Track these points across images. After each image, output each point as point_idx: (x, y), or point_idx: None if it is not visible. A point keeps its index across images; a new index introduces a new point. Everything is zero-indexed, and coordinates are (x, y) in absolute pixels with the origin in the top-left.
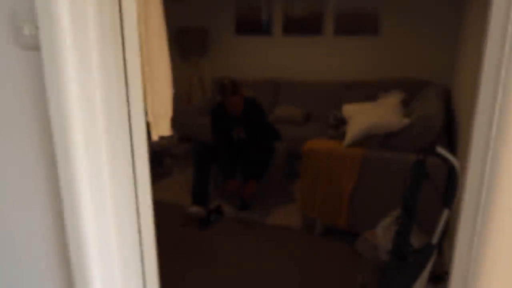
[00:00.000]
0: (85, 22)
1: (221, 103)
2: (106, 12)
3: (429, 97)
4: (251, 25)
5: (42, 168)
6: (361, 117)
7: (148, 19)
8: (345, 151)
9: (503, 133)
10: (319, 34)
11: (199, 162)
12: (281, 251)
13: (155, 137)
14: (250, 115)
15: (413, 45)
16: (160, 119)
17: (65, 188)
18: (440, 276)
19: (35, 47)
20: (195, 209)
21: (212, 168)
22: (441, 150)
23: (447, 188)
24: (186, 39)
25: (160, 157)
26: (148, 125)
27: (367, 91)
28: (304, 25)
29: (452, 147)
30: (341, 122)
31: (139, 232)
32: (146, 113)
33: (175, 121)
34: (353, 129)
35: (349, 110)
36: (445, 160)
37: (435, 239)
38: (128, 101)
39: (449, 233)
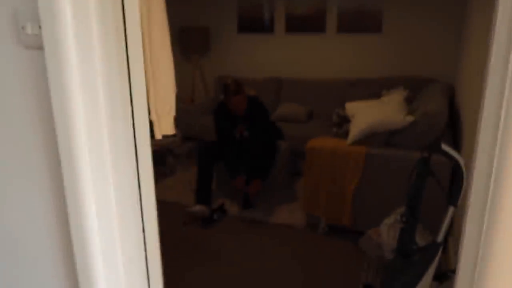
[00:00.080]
0: (88, 21)
1: (224, 102)
2: (108, 11)
3: (433, 94)
4: (253, 23)
5: (46, 167)
6: (364, 115)
7: (150, 18)
8: (349, 149)
9: (510, 129)
10: (322, 31)
11: (202, 161)
12: (285, 249)
13: (158, 136)
14: (253, 114)
15: (417, 42)
16: (163, 118)
17: (68, 188)
18: (445, 274)
19: (38, 46)
20: (198, 208)
21: (215, 167)
22: (446, 148)
23: (452, 186)
24: (188, 38)
25: (163, 156)
26: (151, 124)
27: (370, 89)
28: (306, 23)
29: (456, 144)
30: (344, 120)
31: (143, 231)
32: (149, 112)
33: (178, 120)
34: (357, 127)
35: (353, 108)
36: (450, 157)
37: (440, 237)
38: (131, 100)
39: (453, 231)
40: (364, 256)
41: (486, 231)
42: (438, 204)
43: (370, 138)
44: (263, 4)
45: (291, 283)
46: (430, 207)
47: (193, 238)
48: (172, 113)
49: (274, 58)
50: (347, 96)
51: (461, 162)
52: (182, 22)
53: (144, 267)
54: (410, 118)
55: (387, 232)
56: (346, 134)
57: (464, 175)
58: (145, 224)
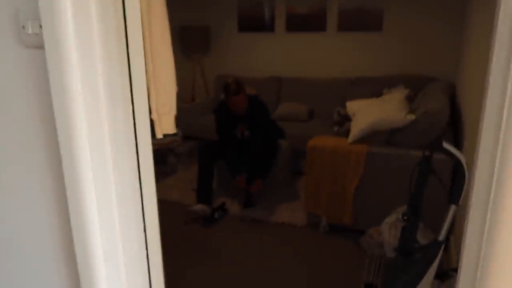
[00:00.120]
0: (89, 20)
1: (224, 101)
2: (109, 10)
3: (434, 93)
4: (253, 22)
5: (48, 167)
6: (365, 114)
7: (151, 17)
8: (350, 148)
9: None
10: (323, 30)
11: (203, 160)
12: (286, 248)
13: (159, 135)
14: (254, 114)
15: (417, 40)
16: (164, 117)
17: (70, 187)
18: (447, 273)
19: (39, 46)
20: (199, 207)
21: (216, 166)
22: (447, 146)
23: (453, 184)
24: (188, 37)
25: (164, 155)
26: (152, 123)
27: (371, 88)
28: (307, 22)
29: (457, 142)
30: (345, 119)
31: (145, 230)
32: (150, 111)
33: (179, 120)
34: (358, 126)
35: (353, 106)
36: (451, 156)
37: (441, 236)
38: (132, 99)
39: (455, 230)
40: (365, 255)
41: (488, 230)
42: (440, 203)
43: (371, 137)
44: (263, 3)
45: (292, 282)
46: (431, 206)
47: (194, 237)
48: (173, 112)
49: (274, 57)
50: (348, 95)
51: (463, 160)
52: (182, 21)
53: (146, 266)
54: (411, 117)
55: (388, 231)
56: (347, 133)
57: (466, 174)
58: (146, 223)
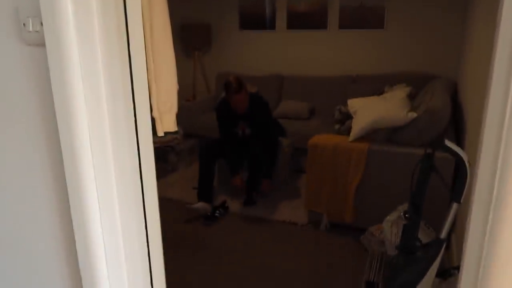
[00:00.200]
0: (89, 17)
1: (226, 99)
2: (110, 8)
3: (435, 91)
4: (254, 19)
5: (49, 165)
6: (366, 112)
7: (152, 15)
8: (351, 145)
9: None
10: (324, 28)
11: (204, 158)
12: (287, 246)
13: (160, 133)
14: (255, 111)
15: (419, 38)
16: (165, 115)
17: (71, 186)
18: (448, 271)
19: (40, 43)
20: (200, 205)
21: (217, 164)
22: (449, 144)
23: (455, 182)
24: (189, 35)
25: (165, 153)
26: (153, 121)
27: (373, 85)
28: (308, 20)
29: (459, 140)
30: (347, 117)
31: (146, 228)
32: (151, 109)
33: (179, 117)
34: (359, 124)
35: (355, 104)
36: (453, 154)
37: (443, 234)
38: (133, 97)
39: (456, 228)
40: (366, 253)
41: (490, 229)
42: (441, 201)
43: (372, 134)
44: (264, 1)
45: (293, 280)
46: (433, 204)
47: (195, 235)
48: (174, 110)
49: (275, 54)
50: (349, 93)
51: (465, 158)
52: (183, 19)
53: (147, 265)
54: (412, 115)
55: (389, 229)
56: (348, 131)
57: (468, 172)
58: (147, 221)
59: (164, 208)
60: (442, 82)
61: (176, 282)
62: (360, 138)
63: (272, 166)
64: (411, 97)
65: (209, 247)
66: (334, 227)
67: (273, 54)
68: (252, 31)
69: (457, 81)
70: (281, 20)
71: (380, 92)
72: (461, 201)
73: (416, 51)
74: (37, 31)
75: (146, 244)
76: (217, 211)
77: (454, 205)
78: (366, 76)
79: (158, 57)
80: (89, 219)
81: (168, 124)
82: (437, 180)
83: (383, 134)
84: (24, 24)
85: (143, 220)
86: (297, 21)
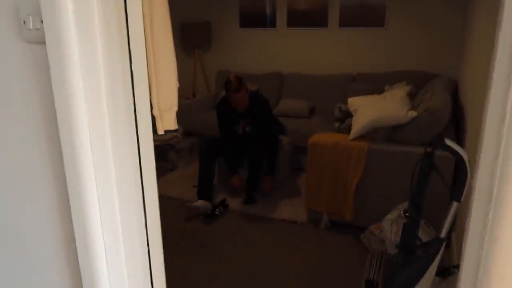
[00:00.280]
0: (90, 15)
1: (226, 98)
2: (110, 5)
3: (436, 89)
4: (255, 17)
5: (49, 164)
6: (366, 110)
7: (153, 13)
8: (351, 144)
9: None
10: (324, 26)
11: (204, 157)
12: (287, 245)
13: (160, 131)
14: (255, 110)
15: (420, 37)
16: (166, 113)
17: (71, 185)
18: (448, 270)
19: (40, 41)
20: (200, 203)
21: (217, 163)
22: (450, 143)
23: (455, 181)
24: (189, 33)
25: (165, 151)
26: (153, 119)
27: (373, 84)
28: (308, 18)
29: (459, 139)
30: (347, 115)
31: (146, 226)
32: (151, 107)
33: (180, 116)
34: (359, 122)
35: (355, 103)
36: (453, 152)
37: (443, 233)
38: (133, 94)
39: (456, 227)
40: (366, 251)
41: (491, 228)
42: (441, 200)
43: (372, 133)
44: None
45: (293, 279)
46: (433, 203)
47: (195, 233)
48: (174, 108)
49: (276, 53)
50: (350, 91)
51: (465, 157)
52: (183, 17)
53: (147, 263)
54: (412, 114)
55: (389, 228)
56: (348, 129)
57: (468, 171)
58: (147, 219)
59: (164, 206)
60: (443, 81)
61: (176, 281)
62: (360, 137)
63: (273, 164)
64: (412, 96)
65: (208, 245)
66: (334, 226)
67: (273, 52)
68: (252, 29)
69: (458, 80)
70: (282, 18)
71: (380, 91)
72: (461, 200)
73: (417, 49)
74: (37, 29)
75: (146, 242)
76: (217, 209)
77: (454, 204)
78: (367, 74)
79: (158, 55)
80: (89, 218)
81: (169, 122)
82: (437, 179)
83: (383, 133)
84: (24, 22)
85: (143, 218)
86: (297, 19)
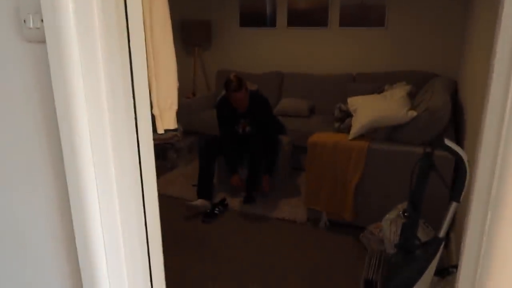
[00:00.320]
0: (90, 14)
1: (226, 97)
2: (110, 4)
3: (435, 89)
4: (255, 17)
5: (49, 163)
6: (366, 110)
7: (153, 11)
8: (351, 144)
9: None
10: (324, 26)
11: (204, 156)
12: (286, 244)
13: (160, 130)
14: (255, 109)
15: (420, 37)
16: (166, 112)
17: (71, 183)
18: (447, 269)
19: (40, 40)
20: (199, 202)
21: (217, 162)
22: (449, 143)
23: (454, 182)
24: (189, 32)
25: (165, 150)
26: (153, 118)
27: (373, 84)
28: (308, 17)
29: (458, 139)
30: (347, 115)
31: (146, 225)
32: (151, 106)
33: (179, 115)
34: (359, 122)
35: (355, 102)
36: (453, 153)
37: (442, 233)
38: (133, 93)
39: (455, 227)
40: (365, 251)
41: (489, 228)
42: (441, 200)
43: (372, 133)
44: None
45: (292, 278)
46: (432, 203)
47: (194, 232)
48: (174, 107)
49: (276, 52)
50: (350, 91)
51: (464, 157)
52: (183, 16)
53: (147, 262)
54: (412, 113)
55: (389, 227)
56: (348, 129)
57: (467, 171)
58: (147, 218)
59: (164, 205)
60: (442, 81)
61: (176, 280)
62: (360, 137)
63: (273, 164)
64: (411, 95)
65: (208, 244)
66: (333, 225)
67: (274, 52)
68: (252, 28)
69: (458, 80)
70: (282, 17)
71: (380, 91)
72: (461, 200)
73: (417, 49)
74: (37, 28)
75: (146, 241)
76: (217, 209)
77: (453, 204)
78: (367, 74)
79: (158, 54)
80: (89, 217)
81: (168, 121)
82: (437, 179)
83: (383, 133)
84: (24, 21)
85: (143, 217)
86: (297, 18)
